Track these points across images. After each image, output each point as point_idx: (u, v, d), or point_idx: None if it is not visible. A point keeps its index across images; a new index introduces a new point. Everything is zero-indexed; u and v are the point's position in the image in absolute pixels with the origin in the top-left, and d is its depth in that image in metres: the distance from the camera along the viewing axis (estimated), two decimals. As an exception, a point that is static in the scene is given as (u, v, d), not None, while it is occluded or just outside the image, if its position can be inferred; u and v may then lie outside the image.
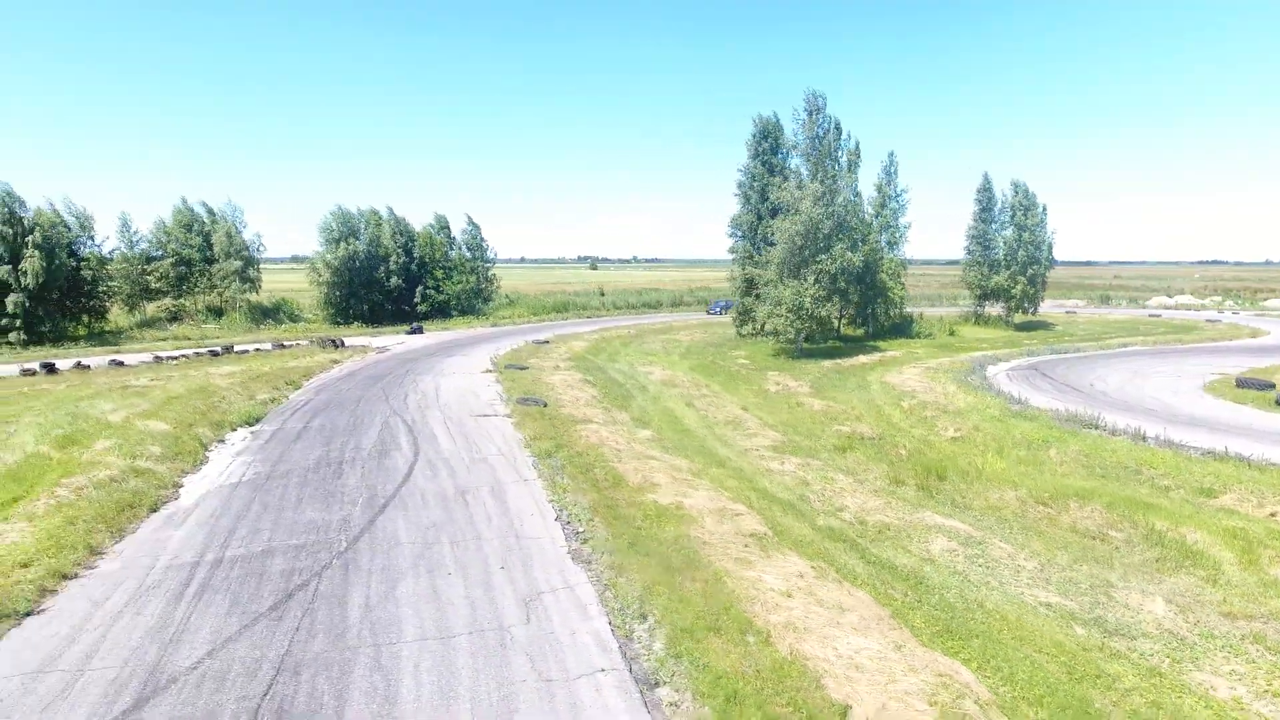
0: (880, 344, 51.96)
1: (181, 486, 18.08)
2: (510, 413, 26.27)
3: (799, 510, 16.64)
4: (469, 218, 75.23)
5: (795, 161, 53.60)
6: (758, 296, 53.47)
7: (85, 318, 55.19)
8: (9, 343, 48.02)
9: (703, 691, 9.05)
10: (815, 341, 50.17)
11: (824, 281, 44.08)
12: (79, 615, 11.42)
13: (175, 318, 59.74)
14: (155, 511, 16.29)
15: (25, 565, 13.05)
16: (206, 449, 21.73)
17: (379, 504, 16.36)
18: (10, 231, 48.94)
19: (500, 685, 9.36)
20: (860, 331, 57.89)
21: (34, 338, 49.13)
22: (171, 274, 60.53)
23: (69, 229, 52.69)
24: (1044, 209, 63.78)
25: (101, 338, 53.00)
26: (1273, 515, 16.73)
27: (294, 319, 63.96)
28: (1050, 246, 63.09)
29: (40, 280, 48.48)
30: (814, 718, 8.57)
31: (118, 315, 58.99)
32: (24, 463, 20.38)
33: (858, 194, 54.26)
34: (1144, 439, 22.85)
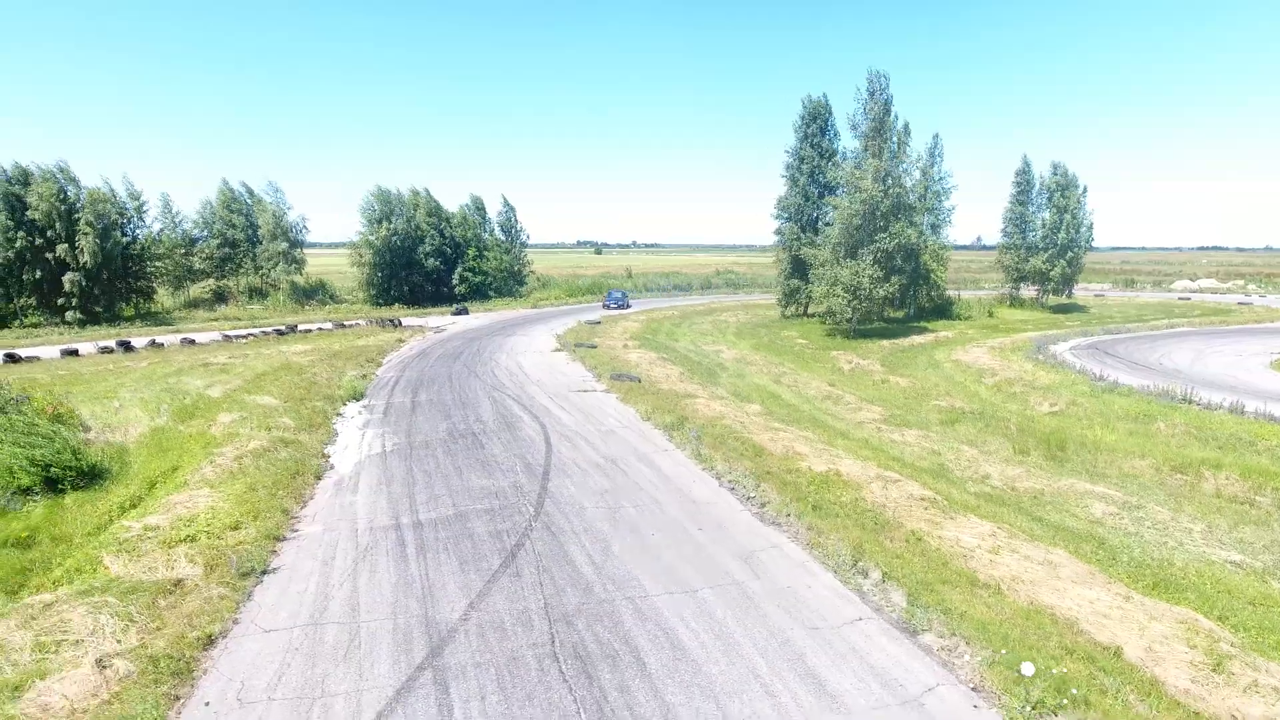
0: (926, 325, 52.33)
1: (328, 456, 18.45)
2: (609, 388, 26.66)
3: (947, 477, 17.06)
4: (504, 199, 75.44)
5: (844, 143, 53.91)
6: (804, 277, 53.86)
7: (133, 298, 55.44)
8: (66, 322, 48.34)
9: (973, 636, 9.47)
10: (863, 322, 50.55)
11: (882, 261, 44.35)
12: (314, 573, 11.84)
13: (220, 299, 60.03)
14: (320, 479, 16.71)
15: (235, 528, 13.49)
16: (331, 421, 22.11)
17: (539, 472, 16.76)
18: (64, 209, 49.06)
19: (772, 633, 9.79)
20: (901, 313, 58.22)
21: (90, 318, 49.45)
22: (216, 255, 60.76)
23: (122, 208, 52.74)
24: (1084, 190, 63.94)
25: (152, 318, 53.30)
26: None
27: (336, 300, 64.22)
28: (1091, 227, 63.28)
29: (96, 259, 48.71)
30: (1093, 657, 8.99)
31: (163, 296, 59.25)
32: (151, 435, 20.81)
33: (907, 175, 54.40)
34: (1244, 412, 23.26)
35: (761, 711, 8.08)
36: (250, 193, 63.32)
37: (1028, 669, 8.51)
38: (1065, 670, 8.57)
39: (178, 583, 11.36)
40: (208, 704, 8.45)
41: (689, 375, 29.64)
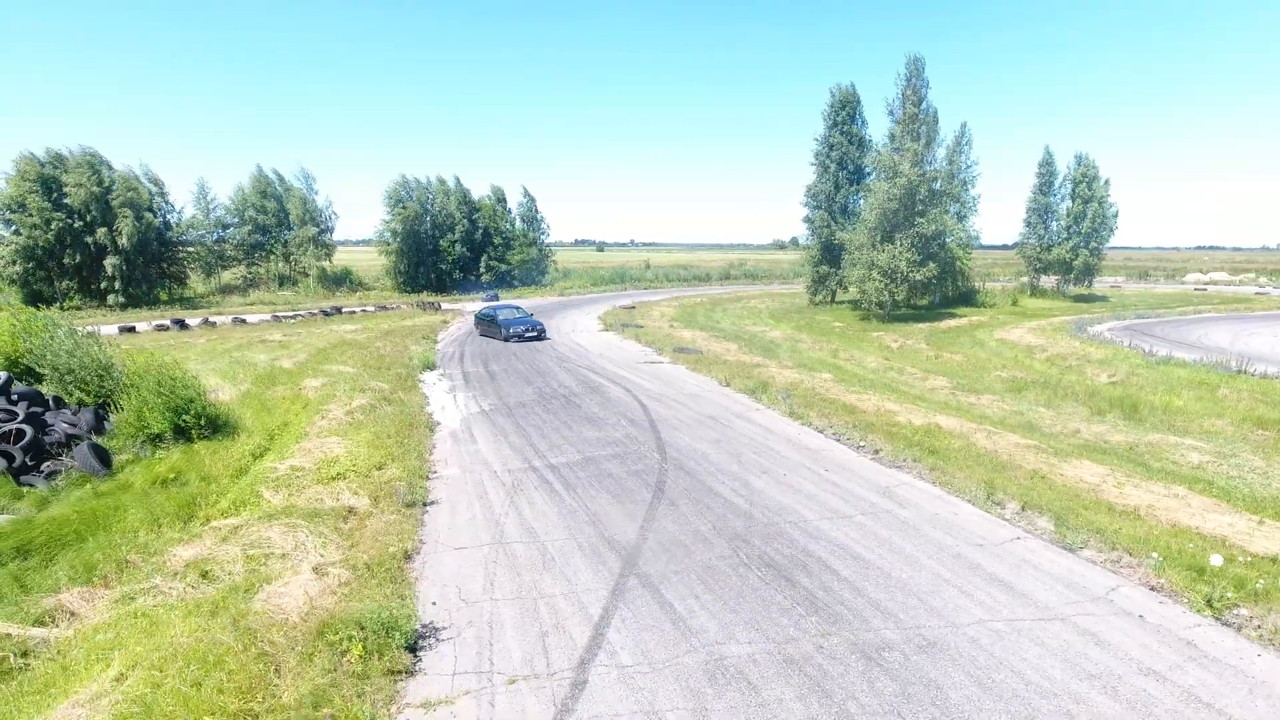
0: (955, 311, 52.84)
1: (430, 415, 18.96)
2: (674, 360, 27.20)
3: (1040, 432, 17.61)
4: (525, 189, 75.83)
5: (870, 131, 54.41)
6: (833, 264, 54.42)
7: (167, 283, 55.85)
8: (108, 305, 48.78)
9: (1133, 549, 10.03)
10: (894, 308, 51.08)
11: (919, 245, 44.88)
12: (475, 505, 12.39)
13: (252, 284, 60.49)
14: (433, 432, 17.22)
15: (379, 468, 14.02)
16: (418, 386, 22.62)
17: (646, 425, 17.31)
18: (100, 192, 49.41)
19: (941, 548, 10.35)
20: (927, 301, 58.76)
21: (130, 301, 49.89)
22: (247, 241, 61.22)
23: (156, 192, 53.19)
24: (1106, 182, 64.51)
25: (186, 303, 53.72)
26: None
27: (365, 287, 64.66)
28: (1116, 216, 63.85)
29: (134, 243, 49.12)
30: (1253, 563, 9.54)
31: (195, 282, 59.70)
32: (243, 399, 21.31)
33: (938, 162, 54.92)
34: (1306, 381, 23.86)
35: (965, 607, 8.64)
36: (281, 179, 63.76)
37: (1216, 560, 9.09)
38: (1239, 571, 9.13)
39: (351, 510, 11.90)
40: (434, 603, 8.99)
41: (747, 350, 30.18)
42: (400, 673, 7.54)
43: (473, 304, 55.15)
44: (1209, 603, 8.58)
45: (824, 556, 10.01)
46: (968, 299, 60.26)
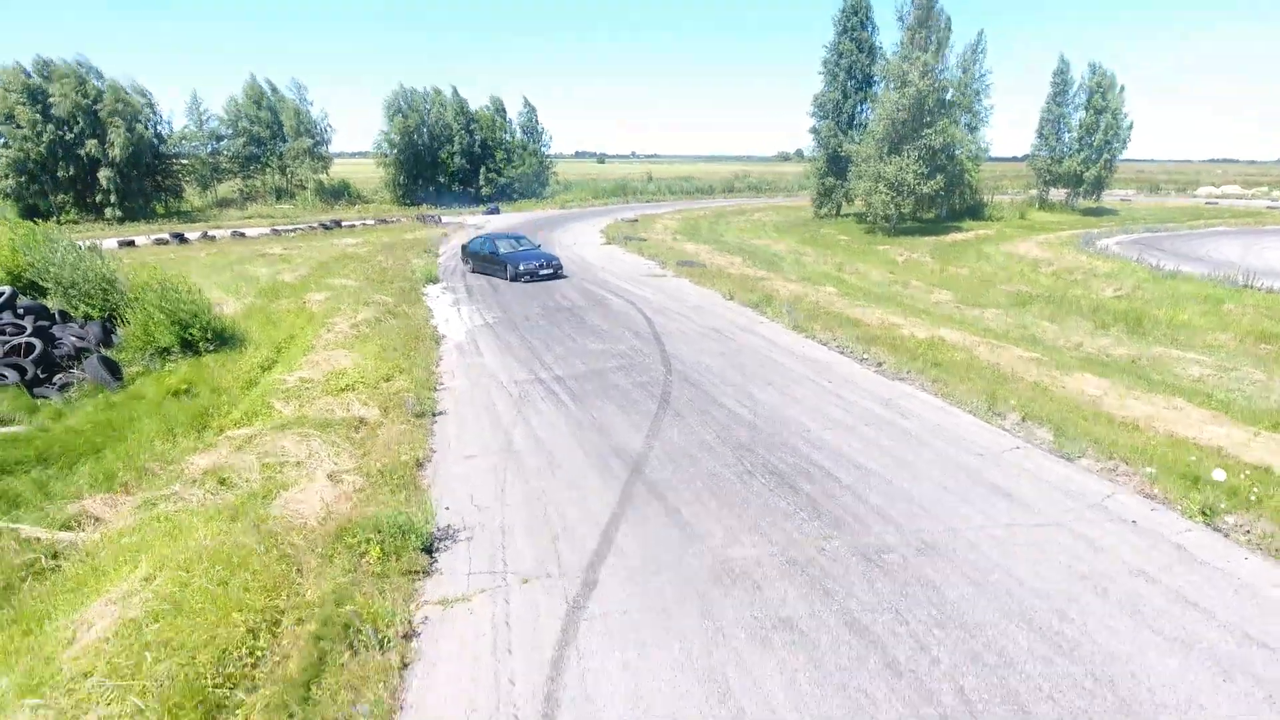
0: (961, 225, 52.15)
1: (435, 328, 18.99)
2: (678, 274, 27.05)
3: (1043, 345, 17.67)
4: (525, 100, 73.72)
5: (884, 38, 52.37)
6: (840, 176, 53.39)
7: (163, 197, 54.99)
8: (105, 219, 48.21)
9: (1129, 458, 10.23)
10: (900, 221, 50.40)
11: (926, 157, 43.89)
12: (483, 416, 12.58)
13: (249, 197, 59.59)
14: (439, 344, 17.31)
15: (387, 380, 14.17)
16: (421, 300, 22.60)
17: (650, 338, 17.38)
18: (88, 103, 48.06)
19: (942, 457, 10.56)
20: (933, 214, 57.89)
21: (126, 214, 49.26)
22: (242, 153, 59.93)
23: (146, 103, 51.73)
24: (1121, 89, 62.47)
25: (183, 216, 53.04)
26: None
27: (364, 200, 63.69)
28: (1131, 127, 62.14)
29: (127, 154, 48.11)
30: (1247, 473, 9.75)
31: (191, 195, 58.79)
32: (247, 312, 21.32)
33: (950, 71, 53.08)
34: (1311, 294, 23.78)
35: (963, 512, 8.88)
36: (274, 90, 61.81)
37: (1219, 475, 9.29)
38: (1232, 481, 9.34)
39: (361, 421, 12.10)
40: (447, 508, 9.25)
41: (751, 263, 29.97)
42: (418, 573, 7.83)
43: (473, 217, 54.46)
44: (1202, 510, 8.81)
45: (826, 465, 10.23)
46: (975, 212, 59.39)
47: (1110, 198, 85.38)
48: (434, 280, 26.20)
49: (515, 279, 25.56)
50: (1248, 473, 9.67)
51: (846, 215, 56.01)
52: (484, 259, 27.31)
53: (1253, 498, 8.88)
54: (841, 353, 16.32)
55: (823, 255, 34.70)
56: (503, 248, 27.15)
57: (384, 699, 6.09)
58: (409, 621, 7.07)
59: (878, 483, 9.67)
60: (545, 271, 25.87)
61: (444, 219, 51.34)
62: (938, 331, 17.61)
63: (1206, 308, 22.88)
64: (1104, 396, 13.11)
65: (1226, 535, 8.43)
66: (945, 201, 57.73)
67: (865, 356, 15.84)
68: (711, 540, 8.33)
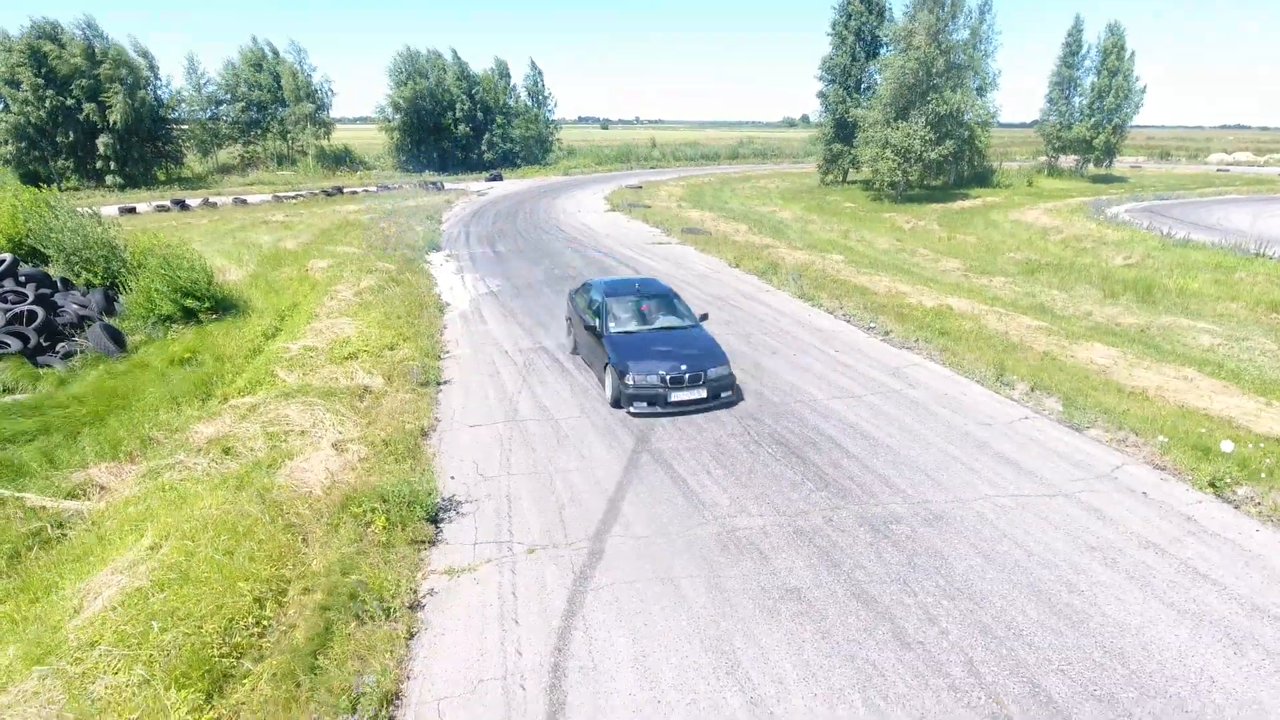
0: (969, 192, 51.52)
1: (438, 296, 18.84)
2: (683, 241, 26.81)
3: (1051, 314, 17.51)
4: (532, 62, 72.77)
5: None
6: (847, 142, 52.65)
7: (163, 163, 54.49)
8: (106, 185, 47.82)
9: (1140, 429, 10.14)
10: (908, 188, 49.83)
11: (934, 123, 43.20)
12: (487, 384, 12.51)
13: (250, 163, 59.05)
14: (443, 312, 17.18)
15: (391, 348, 14.07)
16: (425, 268, 22.44)
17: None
18: (89, 66, 47.30)
19: (950, 427, 10.48)
20: (941, 180, 57.22)
21: (127, 181, 48.85)
22: (242, 119, 59.24)
23: (147, 66, 50.96)
24: (1132, 54, 61.24)
25: (184, 183, 52.59)
26: None
27: (365, 166, 63.10)
28: (1143, 91, 61.02)
29: (128, 119, 47.55)
30: (1258, 445, 9.65)
31: (191, 162, 58.25)
32: (250, 279, 21.18)
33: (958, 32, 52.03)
34: (1319, 262, 23.50)
35: (971, 483, 8.82)
36: (275, 53, 60.84)
37: (1227, 446, 9.20)
38: (1243, 452, 9.26)
39: (366, 389, 12.04)
40: (453, 478, 9.21)
41: (756, 230, 29.68)
42: (423, 543, 7.81)
43: (475, 184, 53.98)
44: (1212, 482, 8.74)
45: (834, 435, 10.16)
46: (983, 179, 58.69)
47: (1120, 164, 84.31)
48: (437, 248, 26.00)
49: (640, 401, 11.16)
50: (1260, 444, 9.57)
51: (853, 182, 55.37)
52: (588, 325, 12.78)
53: (1264, 470, 8.80)
54: (848, 321, 16.17)
55: (829, 222, 34.34)
56: (611, 303, 12.72)
57: (390, 668, 6.09)
58: (415, 591, 7.06)
59: (885, 452, 9.61)
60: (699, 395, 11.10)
61: (447, 185, 50.88)
62: (945, 300, 17.44)
63: (1217, 276, 22.62)
64: (1113, 366, 12.99)
65: (1237, 507, 8.36)
66: (953, 168, 57.05)
67: (872, 325, 15.69)
68: (718, 509, 8.29)
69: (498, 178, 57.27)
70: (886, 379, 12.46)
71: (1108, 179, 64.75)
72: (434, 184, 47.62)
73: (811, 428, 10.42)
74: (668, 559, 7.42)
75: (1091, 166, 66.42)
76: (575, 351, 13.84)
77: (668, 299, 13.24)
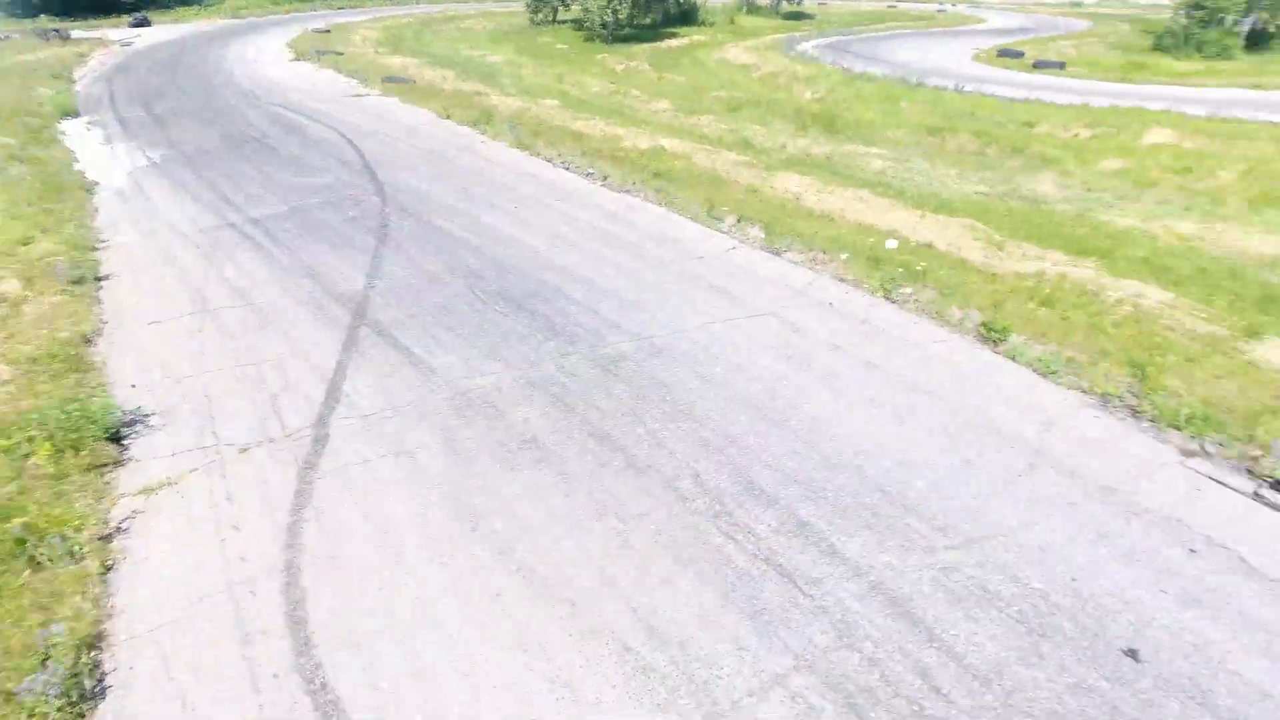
0: (677, 31, 52.24)
1: (83, 172, 15.54)
2: (384, 92, 24.37)
3: (753, 149, 18.63)
4: None
5: None
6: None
7: None
8: None
9: (826, 248, 11.32)
10: (618, 29, 49.26)
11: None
12: (165, 272, 10.81)
13: None
14: (92, 193, 14.26)
15: (25, 243, 11.47)
16: (57, 139, 18.25)
17: (359, 167, 15.68)
18: None
19: (665, 264, 10.92)
20: (650, 19, 57.28)
21: None
22: None
23: None
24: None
25: None
26: (1075, 135, 21.76)
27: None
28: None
29: None
30: (917, 250, 11.24)
31: None
32: None
33: None
34: (964, 91, 27.30)
35: (688, 314, 9.34)
36: None
37: (891, 244, 10.55)
38: (904, 257, 10.72)
39: (-4, 296, 9.75)
40: (133, 386, 7.92)
41: (465, 77, 27.78)
42: (106, 465, 6.71)
43: (116, 31, 44.26)
44: (882, 286, 10.05)
45: (559, 285, 10.13)
46: (689, 17, 59.63)
47: (809, 1, 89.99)
48: (72, 114, 21.18)
49: None
50: (913, 248, 11.14)
51: (564, 22, 53.52)
52: None
53: (919, 269, 10.27)
54: (566, 168, 15.94)
55: (541, 66, 33.10)
56: None
57: (87, 610, 5.27)
58: (105, 522, 6.10)
59: (608, 296, 9.80)
60: None
61: (75, 34, 41.14)
62: (658, 141, 17.78)
63: (887, 106, 25.43)
64: (804, 193, 14.23)
65: (901, 305, 9.74)
66: (661, 6, 57.18)
67: (590, 171, 15.62)
68: (449, 374, 8.01)
69: (145, 22, 47.31)
70: (606, 224, 12.57)
71: (798, 15, 68.92)
72: (56, 32, 38.19)
73: (537, 280, 10.29)
74: (399, 432, 7.07)
75: (785, 3, 70.20)
76: None
77: None
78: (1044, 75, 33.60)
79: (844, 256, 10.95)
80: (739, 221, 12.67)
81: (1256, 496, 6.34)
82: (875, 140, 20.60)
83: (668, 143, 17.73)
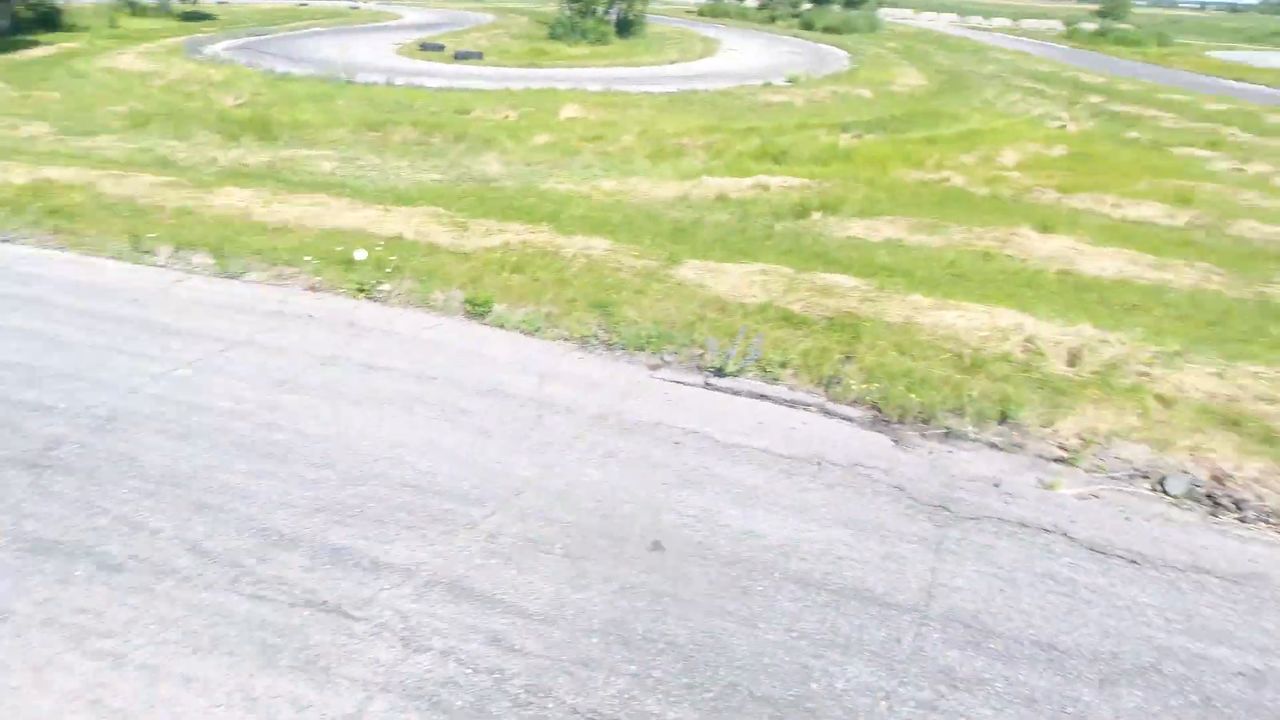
0: (38, 39, 42.35)
1: None
2: None
3: (176, 167, 16.29)
4: None
5: None
6: None
7: None
8: None
9: (292, 260, 10.54)
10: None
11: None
12: None
13: None
14: None
15: None
16: None
17: None
18: None
19: (86, 317, 8.98)
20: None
21: None
22: None
23: None
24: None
25: None
26: (506, 117, 24.02)
27: None
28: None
29: None
30: (382, 243, 11.17)
31: None
32: None
33: None
34: (395, 85, 27.90)
35: (138, 367, 7.82)
36: None
37: (360, 254, 10.21)
38: (377, 255, 10.56)
39: None
40: None
41: None
42: None
43: None
44: (360, 288, 9.77)
45: (-65, 375, 7.55)
46: (50, 22, 49.31)
47: (207, 1, 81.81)
48: None
49: None
50: (381, 244, 11.05)
51: None
52: None
53: (393, 265, 10.24)
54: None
55: None
56: None
57: None
58: None
59: (12, 370, 7.66)
60: None
61: None
62: (42, 172, 14.40)
63: (321, 105, 24.65)
64: (251, 207, 12.99)
65: (384, 302, 9.60)
66: (7, 10, 46.10)
67: (-51, 221, 11.93)
68: None
69: None
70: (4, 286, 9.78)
71: (197, 16, 62.04)
72: None
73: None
74: None
75: (178, 3, 62.58)
76: None
77: None
78: (466, 65, 36.14)
79: (313, 265, 10.32)
80: (177, 250, 11.01)
81: (707, 385, 7.87)
82: (318, 141, 19.90)
83: (55, 173, 14.45)
